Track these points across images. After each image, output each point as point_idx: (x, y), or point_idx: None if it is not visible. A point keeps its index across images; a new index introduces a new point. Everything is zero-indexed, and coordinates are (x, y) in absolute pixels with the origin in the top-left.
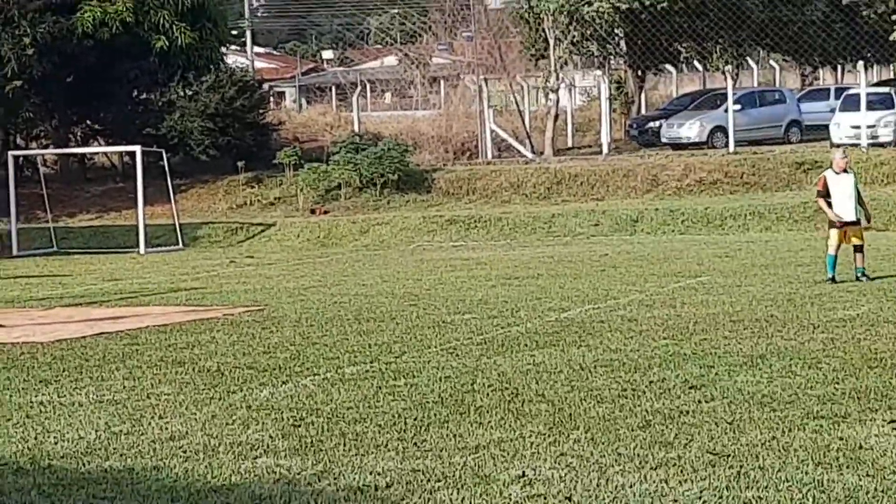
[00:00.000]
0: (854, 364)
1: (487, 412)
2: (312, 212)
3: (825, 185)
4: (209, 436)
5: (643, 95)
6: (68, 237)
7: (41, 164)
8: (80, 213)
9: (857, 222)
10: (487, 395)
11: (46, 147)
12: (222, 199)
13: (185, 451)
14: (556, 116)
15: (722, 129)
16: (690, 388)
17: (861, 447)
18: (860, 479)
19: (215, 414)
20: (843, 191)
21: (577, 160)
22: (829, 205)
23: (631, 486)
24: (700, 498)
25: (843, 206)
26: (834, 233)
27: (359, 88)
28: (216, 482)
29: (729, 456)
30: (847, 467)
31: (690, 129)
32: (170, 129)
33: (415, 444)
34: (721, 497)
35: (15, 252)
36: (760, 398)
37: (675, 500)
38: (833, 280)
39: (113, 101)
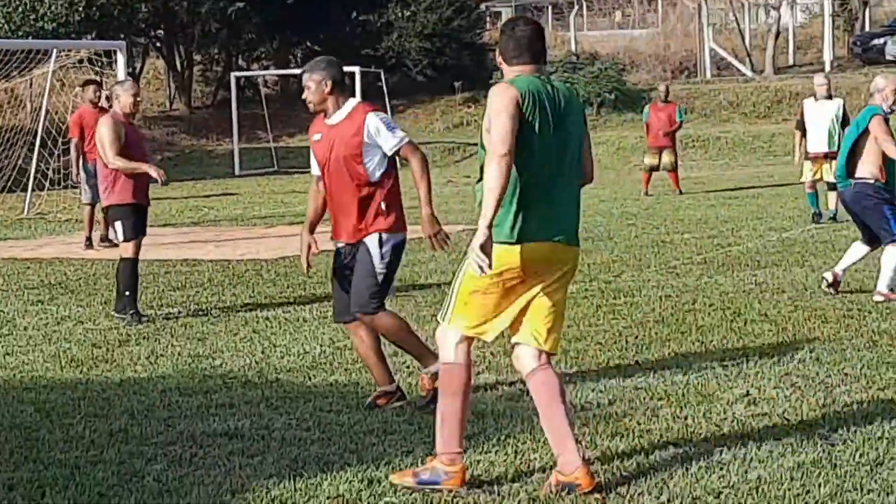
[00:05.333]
0: None
1: (709, 331)
2: None
3: (802, 114)
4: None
5: (868, 11)
6: (288, 157)
7: (262, 85)
8: (300, 133)
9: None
10: (709, 314)
11: (267, 68)
12: (439, 119)
13: (408, 366)
14: (777, 34)
15: None
16: None
17: None
18: None
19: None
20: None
21: (799, 78)
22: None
23: (858, 405)
24: None
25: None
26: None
27: (576, 7)
28: None
29: None
30: None
31: None
32: (388, 49)
33: (636, 362)
34: None
35: (237, 172)
36: None
37: None
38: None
39: (332, 21)
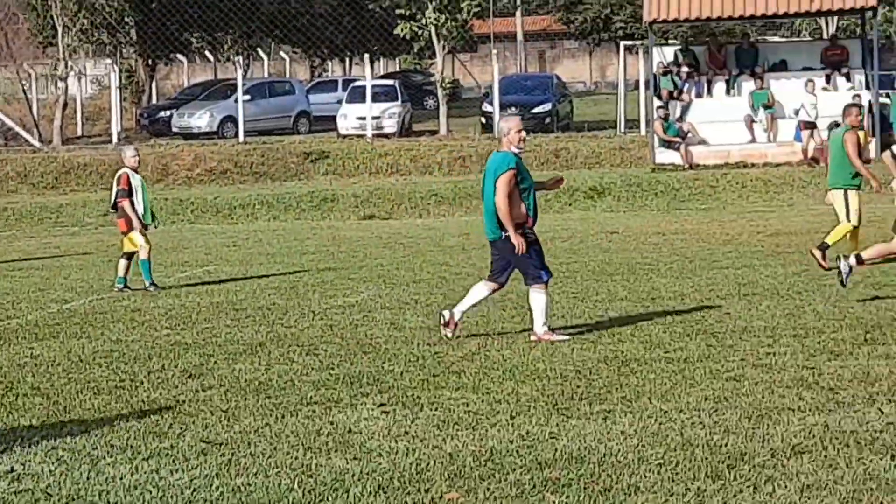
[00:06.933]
0: (349, 349)
1: None
2: None
3: (129, 183)
4: None
5: (154, 85)
6: None
7: None
8: None
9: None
10: None
11: None
12: None
13: None
14: (66, 105)
15: (232, 119)
16: (189, 377)
17: (350, 431)
18: (347, 462)
19: None
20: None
21: (87, 149)
22: (133, 204)
23: (121, 478)
24: (190, 487)
25: (141, 205)
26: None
27: None
28: None
29: (222, 444)
30: (335, 451)
31: (201, 118)
32: None
33: None
34: (211, 485)
35: None
36: (257, 385)
37: (165, 490)
38: (155, 285)
39: None
